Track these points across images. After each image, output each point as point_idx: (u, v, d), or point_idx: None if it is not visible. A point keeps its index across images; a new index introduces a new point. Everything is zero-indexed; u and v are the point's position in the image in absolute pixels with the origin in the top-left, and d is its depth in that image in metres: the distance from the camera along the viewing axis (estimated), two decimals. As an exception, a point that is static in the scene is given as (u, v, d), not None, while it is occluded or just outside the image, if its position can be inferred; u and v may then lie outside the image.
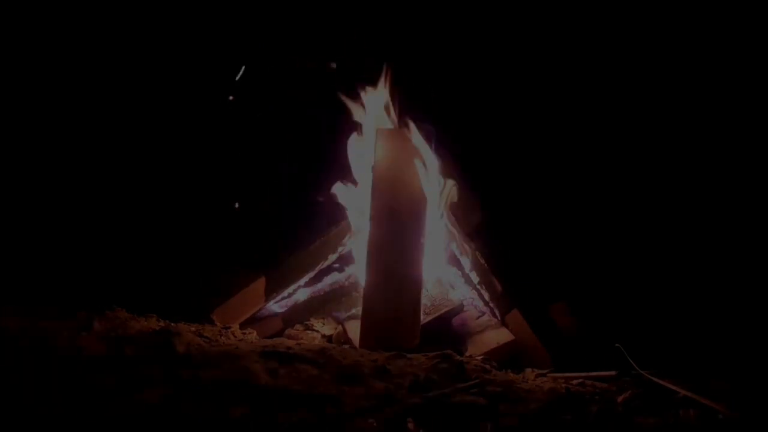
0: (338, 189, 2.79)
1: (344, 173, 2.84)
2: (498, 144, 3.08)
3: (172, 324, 2.51)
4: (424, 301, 2.59)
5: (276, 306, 2.80)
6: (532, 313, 2.52)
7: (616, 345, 2.16)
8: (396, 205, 2.55)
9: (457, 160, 2.77)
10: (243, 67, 3.16)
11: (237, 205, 3.23)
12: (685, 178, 2.96)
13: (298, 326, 2.75)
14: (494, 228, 2.76)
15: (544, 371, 2.29)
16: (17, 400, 1.65)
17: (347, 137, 2.79)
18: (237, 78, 3.16)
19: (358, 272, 2.82)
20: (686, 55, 3.04)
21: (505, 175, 3.07)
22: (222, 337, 2.46)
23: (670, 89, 3.05)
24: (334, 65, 3.18)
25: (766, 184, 2.85)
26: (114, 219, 3.15)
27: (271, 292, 2.76)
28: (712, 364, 2.20)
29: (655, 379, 2.03)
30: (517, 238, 2.84)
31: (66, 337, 2.14)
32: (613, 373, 2.15)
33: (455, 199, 2.71)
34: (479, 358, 2.33)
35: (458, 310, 2.66)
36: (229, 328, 2.59)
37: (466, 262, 2.72)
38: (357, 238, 2.80)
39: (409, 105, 2.80)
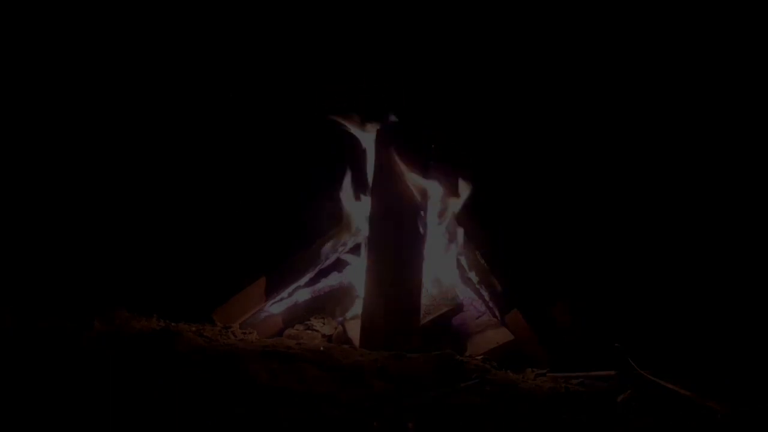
0: (339, 189, 2.80)
1: (345, 173, 2.84)
2: (499, 144, 3.08)
3: (173, 324, 2.51)
4: (424, 301, 2.59)
5: (276, 306, 2.81)
6: (532, 313, 2.52)
7: (616, 345, 2.16)
8: (396, 205, 2.56)
9: (458, 161, 2.77)
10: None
11: (237, 206, 3.22)
12: (685, 178, 2.96)
13: (298, 326, 2.75)
14: (494, 227, 2.76)
15: (544, 371, 2.30)
16: (17, 400, 1.65)
17: (348, 138, 2.80)
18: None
19: (358, 272, 2.82)
20: (686, 55, 3.04)
21: (505, 175, 3.07)
22: (222, 337, 2.47)
23: (670, 89, 3.05)
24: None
25: (766, 184, 2.85)
26: (115, 219, 3.15)
27: (271, 292, 2.76)
28: (712, 364, 2.20)
29: (655, 379, 2.03)
30: (517, 238, 2.84)
31: (67, 336, 2.14)
32: (612, 372, 2.15)
33: (455, 199, 2.72)
34: (479, 358, 2.33)
35: (458, 310, 2.66)
36: (230, 328, 2.59)
37: (466, 262, 2.72)
38: (357, 238, 2.81)
39: (409, 107, 2.81)
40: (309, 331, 2.72)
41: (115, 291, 2.70)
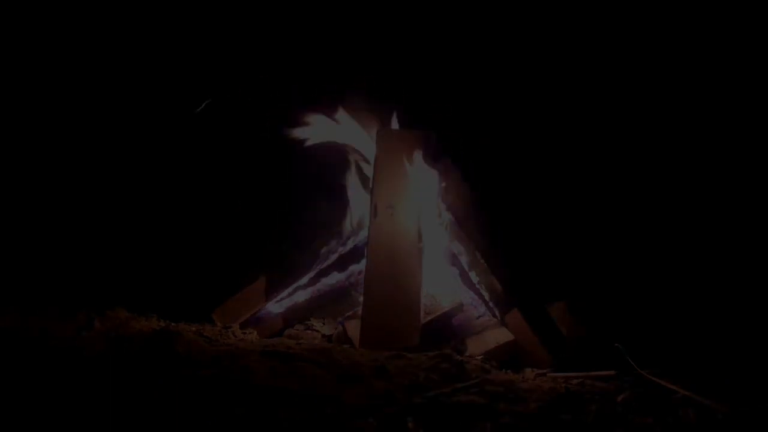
0: (339, 188, 2.80)
1: (346, 173, 2.84)
2: (498, 143, 3.08)
3: (173, 324, 2.52)
4: (424, 301, 2.59)
5: (276, 306, 2.81)
6: (532, 313, 2.52)
7: (616, 345, 2.16)
8: (396, 205, 2.56)
9: (458, 160, 2.77)
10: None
11: (238, 206, 3.23)
12: (685, 178, 2.96)
13: (298, 326, 2.76)
14: (494, 227, 2.75)
15: (544, 371, 2.30)
16: (17, 400, 1.65)
17: (349, 137, 2.80)
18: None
19: (358, 272, 2.82)
20: (686, 54, 3.04)
21: (505, 175, 3.07)
22: (222, 337, 2.47)
23: (670, 89, 3.05)
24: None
25: (766, 184, 2.85)
26: (115, 219, 3.15)
27: (271, 292, 2.76)
28: (712, 364, 2.20)
29: (655, 379, 2.03)
30: (517, 238, 2.83)
31: (67, 336, 2.15)
32: (612, 372, 2.15)
33: (455, 199, 2.71)
34: (479, 358, 2.33)
35: (458, 310, 2.66)
36: (230, 328, 2.59)
37: (466, 262, 2.72)
38: (357, 238, 2.81)
39: (410, 107, 2.81)
40: (309, 331, 2.72)
41: (115, 291, 2.70)
